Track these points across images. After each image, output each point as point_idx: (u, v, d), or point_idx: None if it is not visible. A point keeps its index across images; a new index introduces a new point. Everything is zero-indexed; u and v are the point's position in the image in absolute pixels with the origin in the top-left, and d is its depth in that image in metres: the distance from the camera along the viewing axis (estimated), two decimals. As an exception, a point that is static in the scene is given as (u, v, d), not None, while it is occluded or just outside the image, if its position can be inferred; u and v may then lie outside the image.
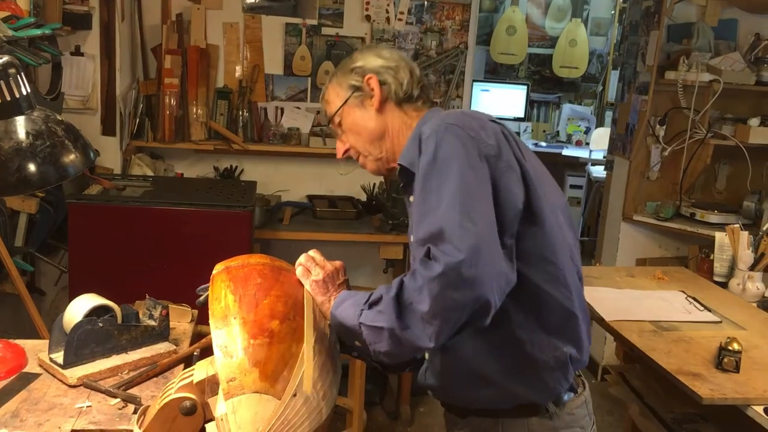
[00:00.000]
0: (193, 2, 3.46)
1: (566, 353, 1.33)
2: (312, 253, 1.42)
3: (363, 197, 3.64)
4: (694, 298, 2.29)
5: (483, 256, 1.16)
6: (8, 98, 1.29)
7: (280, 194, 3.66)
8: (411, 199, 1.43)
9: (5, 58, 1.31)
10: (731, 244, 2.42)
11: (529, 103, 6.19)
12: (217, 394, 1.21)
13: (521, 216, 1.28)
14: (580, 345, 1.36)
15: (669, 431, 1.92)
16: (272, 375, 1.18)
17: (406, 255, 3.46)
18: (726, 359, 1.78)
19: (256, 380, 1.16)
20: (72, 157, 1.31)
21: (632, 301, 2.25)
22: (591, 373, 4.05)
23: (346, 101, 1.49)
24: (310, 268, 1.39)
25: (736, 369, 1.77)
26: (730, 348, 1.80)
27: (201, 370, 1.29)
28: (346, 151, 1.53)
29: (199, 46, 3.44)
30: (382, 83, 1.47)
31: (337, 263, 1.42)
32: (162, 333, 1.74)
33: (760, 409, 1.61)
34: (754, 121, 3.50)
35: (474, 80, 6.05)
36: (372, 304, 1.25)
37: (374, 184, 3.60)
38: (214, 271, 1.40)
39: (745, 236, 2.38)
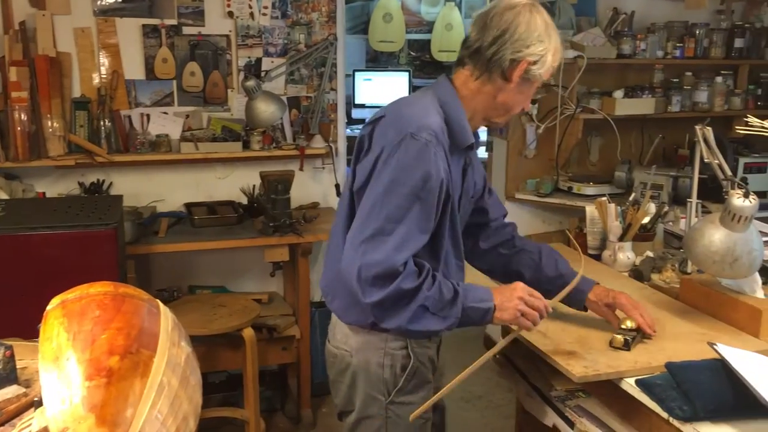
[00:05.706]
0: (38, 8, 3.21)
1: None
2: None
3: (244, 200, 3.52)
4: (569, 273, 2.32)
5: None
6: None
7: (155, 205, 3.47)
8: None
9: None
10: (600, 216, 2.48)
11: (413, 89, 6.20)
12: (52, 446, 1.09)
13: None
14: None
15: (552, 408, 1.93)
16: (111, 418, 1.07)
17: (293, 257, 3.37)
18: (614, 338, 1.76)
19: (92, 427, 1.05)
20: None
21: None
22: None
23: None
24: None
25: (626, 347, 1.74)
26: (623, 326, 1.78)
27: (41, 417, 1.17)
28: None
29: (48, 54, 3.19)
30: None
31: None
32: (8, 376, 1.58)
33: (632, 381, 1.64)
34: (618, 94, 3.63)
35: (355, 70, 5.99)
36: None
37: (254, 186, 3.48)
38: (48, 307, 1.28)
39: (612, 208, 2.44)
